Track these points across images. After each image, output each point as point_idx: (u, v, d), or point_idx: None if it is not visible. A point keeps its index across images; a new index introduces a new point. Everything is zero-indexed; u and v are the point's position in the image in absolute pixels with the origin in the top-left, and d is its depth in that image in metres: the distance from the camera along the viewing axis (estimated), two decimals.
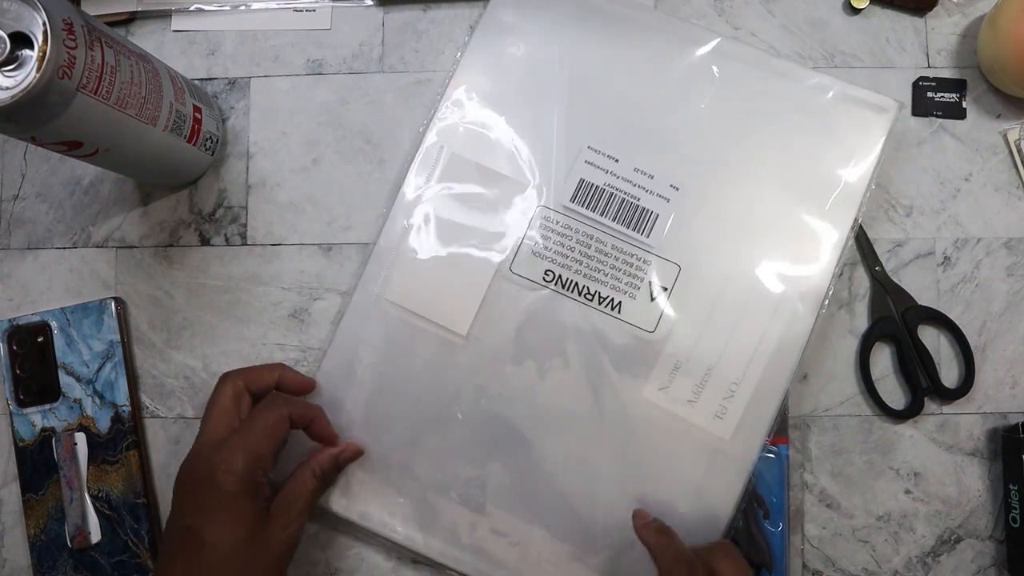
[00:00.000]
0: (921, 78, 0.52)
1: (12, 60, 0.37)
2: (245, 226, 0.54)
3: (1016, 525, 0.48)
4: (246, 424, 0.43)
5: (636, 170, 0.49)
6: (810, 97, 0.49)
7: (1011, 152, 0.52)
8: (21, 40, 0.37)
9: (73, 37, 0.38)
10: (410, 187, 0.50)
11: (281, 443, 0.44)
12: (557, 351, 0.48)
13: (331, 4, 0.55)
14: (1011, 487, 0.48)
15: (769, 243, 0.48)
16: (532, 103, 0.50)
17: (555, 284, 0.48)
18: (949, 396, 0.50)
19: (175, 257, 0.54)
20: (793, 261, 0.48)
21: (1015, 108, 0.52)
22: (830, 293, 0.47)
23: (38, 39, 0.37)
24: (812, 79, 0.49)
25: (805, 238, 0.48)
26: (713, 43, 0.50)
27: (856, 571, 0.49)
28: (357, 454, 0.48)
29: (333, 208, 0.53)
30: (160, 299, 0.53)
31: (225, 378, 0.46)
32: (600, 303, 0.48)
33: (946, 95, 0.52)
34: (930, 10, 0.53)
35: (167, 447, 0.52)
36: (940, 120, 0.52)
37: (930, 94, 0.52)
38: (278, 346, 0.52)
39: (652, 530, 0.44)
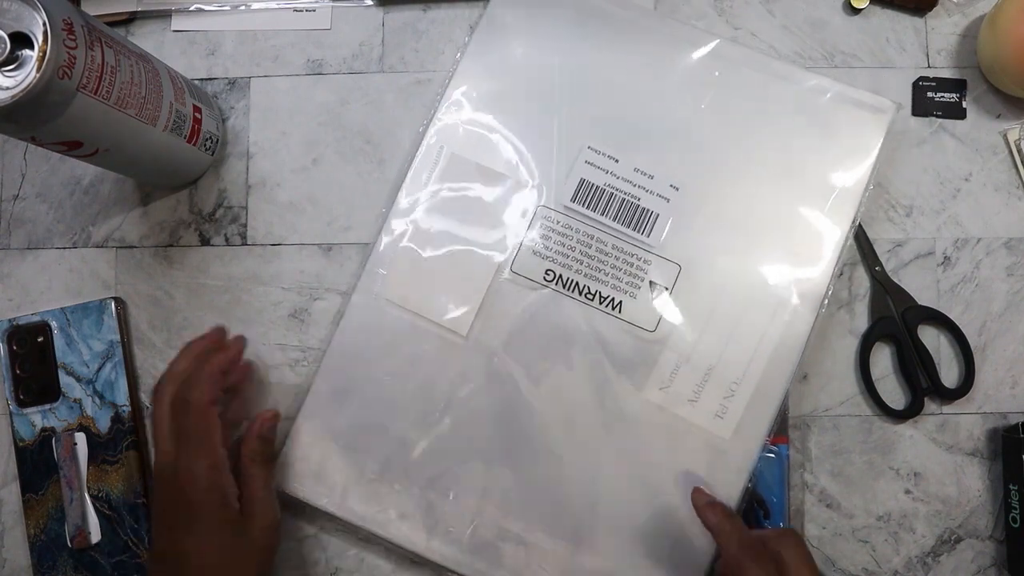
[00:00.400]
0: (921, 78, 0.52)
1: (12, 60, 0.37)
2: (245, 226, 0.54)
3: (1016, 525, 0.48)
4: (183, 435, 0.44)
5: (636, 170, 0.49)
6: (808, 99, 0.49)
7: (1011, 152, 0.52)
8: (21, 40, 0.37)
9: (73, 37, 0.38)
10: (410, 187, 0.50)
11: (219, 427, 0.45)
12: (558, 351, 0.48)
13: (331, 4, 0.55)
14: (1011, 487, 0.48)
15: (769, 243, 0.48)
16: (532, 103, 0.50)
17: (556, 284, 0.48)
18: (949, 396, 0.50)
19: (175, 257, 0.54)
20: (793, 261, 0.48)
21: (1015, 108, 0.52)
22: (830, 293, 0.47)
23: (38, 39, 0.37)
24: (810, 81, 0.49)
25: (805, 238, 0.48)
26: (712, 45, 0.50)
27: (856, 571, 0.49)
28: (274, 417, 0.47)
29: (333, 208, 0.53)
30: (160, 299, 0.53)
31: (158, 393, 0.45)
32: (601, 303, 0.48)
33: (946, 95, 0.52)
34: (930, 10, 0.53)
35: None
36: (940, 120, 0.52)
37: (930, 94, 0.52)
38: (278, 346, 0.52)
39: (718, 512, 0.43)
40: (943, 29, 0.53)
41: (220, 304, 0.53)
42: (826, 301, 0.47)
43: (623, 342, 0.48)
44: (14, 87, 0.37)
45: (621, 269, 0.48)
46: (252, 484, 0.45)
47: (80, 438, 0.51)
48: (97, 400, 0.51)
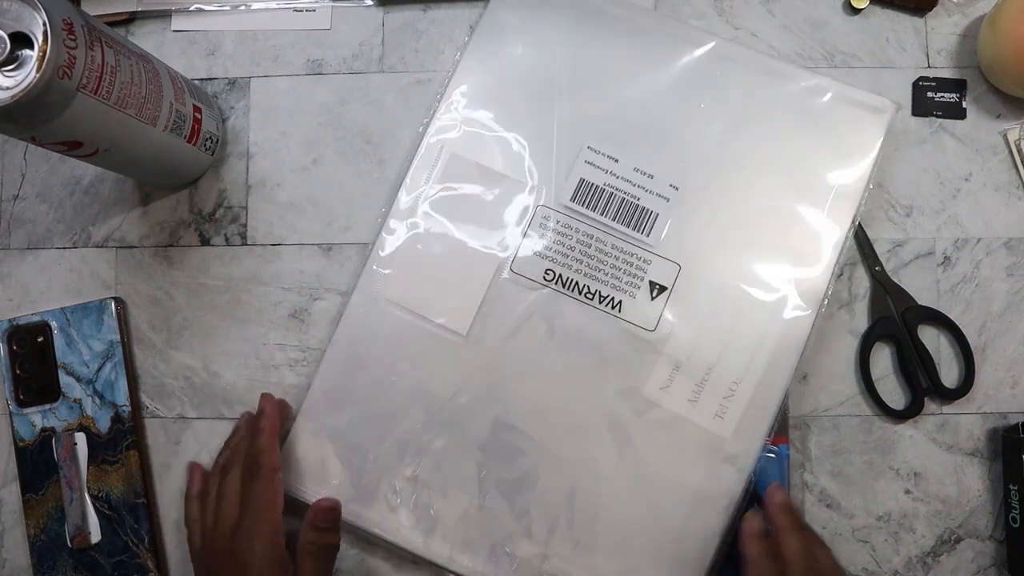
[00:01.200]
0: (921, 78, 0.52)
1: (12, 60, 0.37)
2: (245, 226, 0.54)
3: (1016, 525, 0.48)
4: (247, 501, 0.44)
5: (636, 170, 0.49)
6: (807, 98, 0.49)
7: (1011, 152, 0.51)
8: (21, 40, 0.37)
9: (73, 37, 0.38)
10: (410, 187, 0.50)
11: (282, 497, 0.45)
12: (557, 351, 0.48)
13: (331, 4, 0.55)
14: (1011, 487, 0.48)
15: (769, 242, 0.48)
16: (532, 103, 0.50)
17: (556, 283, 0.48)
18: (949, 396, 0.50)
19: (175, 257, 0.54)
20: (793, 260, 0.48)
21: (1015, 108, 0.52)
22: (829, 292, 0.47)
23: (38, 39, 0.37)
24: (809, 80, 0.49)
25: (805, 237, 0.48)
26: (711, 45, 0.50)
27: (856, 571, 0.49)
28: (333, 508, 0.45)
29: (333, 208, 0.53)
30: (160, 299, 0.53)
31: (223, 458, 0.47)
32: (600, 302, 0.48)
33: (946, 95, 0.52)
34: (930, 10, 0.53)
35: (167, 447, 0.52)
36: (940, 120, 0.52)
37: (930, 94, 0.52)
38: (278, 346, 0.52)
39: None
40: (943, 29, 0.53)
41: (220, 304, 0.53)
42: (826, 301, 0.47)
43: (623, 342, 0.48)
44: (14, 87, 0.37)
45: (621, 269, 0.48)
46: (304, 574, 0.44)
47: (80, 438, 0.51)
48: (97, 400, 0.51)
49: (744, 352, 0.47)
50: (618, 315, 0.48)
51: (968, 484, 0.50)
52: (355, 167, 0.54)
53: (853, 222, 0.48)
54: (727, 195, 0.49)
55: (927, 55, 0.53)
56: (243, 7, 0.55)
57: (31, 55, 0.37)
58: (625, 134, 0.50)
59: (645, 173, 0.49)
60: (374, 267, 0.50)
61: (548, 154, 0.50)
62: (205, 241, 0.54)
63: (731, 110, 0.50)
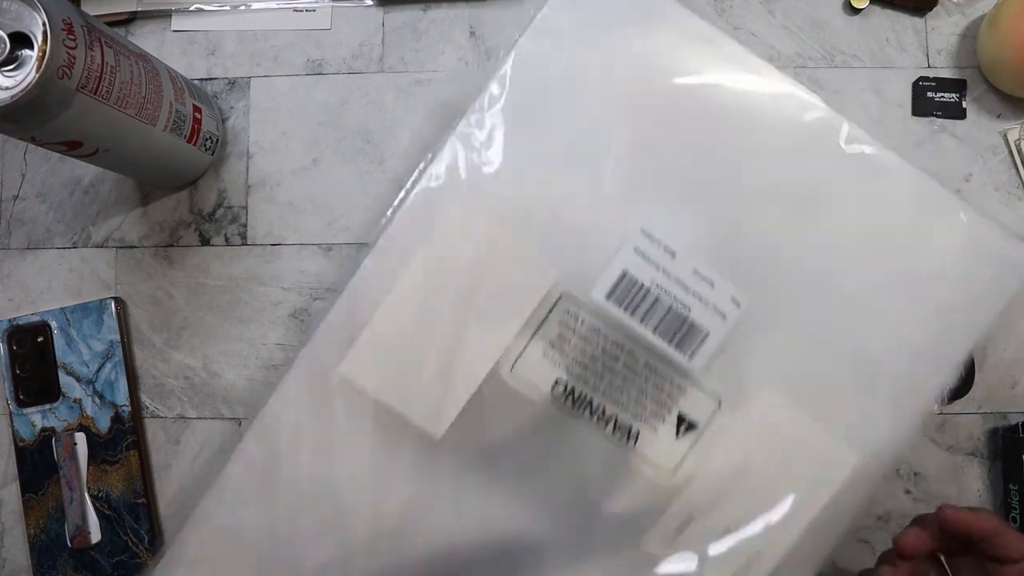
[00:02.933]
0: (921, 78, 0.52)
1: (12, 60, 0.37)
2: (245, 226, 0.54)
3: (1016, 525, 0.48)
4: None
5: (695, 272, 0.39)
6: (934, 230, 0.41)
7: (1011, 152, 0.52)
8: (21, 40, 0.37)
9: (73, 37, 0.38)
10: (392, 236, 0.39)
11: None
12: (549, 479, 0.39)
13: (331, 4, 0.55)
14: (1011, 487, 0.48)
15: (836, 396, 0.39)
16: (577, 161, 0.40)
17: (565, 399, 0.39)
18: (949, 396, 0.50)
19: (175, 257, 0.54)
20: (853, 422, 0.39)
21: (1015, 108, 0.52)
22: (905, 453, 0.41)
23: (38, 39, 0.37)
24: (953, 211, 0.41)
25: (887, 393, 0.40)
26: (844, 128, 0.39)
27: (856, 571, 0.49)
28: None
29: (333, 208, 0.53)
30: (160, 299, 0.53)
31: None
32: (615, 430, 0.39)
33: (946, 95, 0.52)
34: (930, 10, 0.53)
35: (167, 447, 0.52)
36: (940, 120, 0.52)
37: (930, 94, 0.52)
38: (278, 346, 0.52)
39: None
40: (943, 29, 0.53)
41: (220, 304, 0.53)
42: (899, 470, 0.44)
43: (632, 481, 0.39)
44: (14, 87, 0.37)
45: (648, 394, 0.39)
46: None
47: (80, 438, 0.51)
48: (97, 400, 0.51)
49: (776, 516, 0.39)
50: (632, 449, 0.39)
51: (968, 484, 0.50)
52: (355, 167, 0.54)
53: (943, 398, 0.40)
54: (805, 328, 0.39)
55: (927, 55, 0.53)
56: (243, 7, 0.55)
57: (31, 55, 0.37)
58: (693, 222, 0.39)
59: (706, 279, 0.39)
60: (329, 333, 0.39)
61: (586, 229, 0.39)
62: (205, 241, 0.54)
63: (853, 226, 0.39)
